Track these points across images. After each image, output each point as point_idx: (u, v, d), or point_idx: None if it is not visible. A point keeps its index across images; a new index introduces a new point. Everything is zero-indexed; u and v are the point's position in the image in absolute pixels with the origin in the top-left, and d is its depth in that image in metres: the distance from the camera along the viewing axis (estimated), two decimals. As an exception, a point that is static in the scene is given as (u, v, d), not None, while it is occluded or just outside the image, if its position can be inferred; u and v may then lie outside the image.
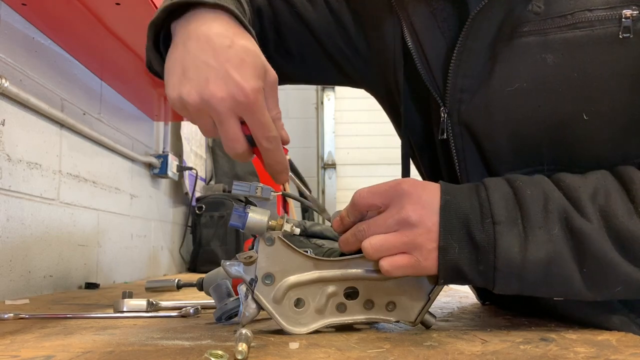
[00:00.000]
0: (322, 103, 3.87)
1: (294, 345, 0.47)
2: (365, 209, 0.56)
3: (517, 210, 0.53)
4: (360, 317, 0.56)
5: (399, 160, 0.75)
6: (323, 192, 3.85)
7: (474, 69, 0.60)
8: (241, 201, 2.13)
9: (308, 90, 3.95)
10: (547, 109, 0.57)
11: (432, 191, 0.55)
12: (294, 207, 3.31)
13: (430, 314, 0.58)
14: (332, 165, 3.81)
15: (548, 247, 0.51)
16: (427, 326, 0.58)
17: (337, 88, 3.82)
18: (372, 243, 0.53)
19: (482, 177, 0.58)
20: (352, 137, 3.82)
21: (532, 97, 0.58)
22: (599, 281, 0.51)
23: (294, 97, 3.95)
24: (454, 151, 0.64)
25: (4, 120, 1.00)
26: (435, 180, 0.57)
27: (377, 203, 0.55)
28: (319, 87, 3.90)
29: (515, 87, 0.58)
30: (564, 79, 0.56)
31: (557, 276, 0.51)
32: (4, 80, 0.96)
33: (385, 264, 0.53)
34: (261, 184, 0.58)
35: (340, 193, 3.79)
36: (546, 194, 0.53)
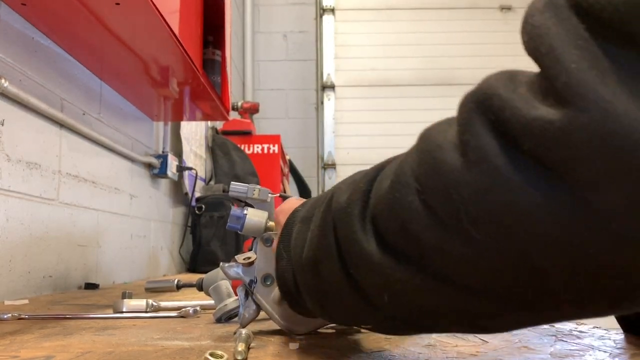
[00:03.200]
0: (322, 103, 3.87)
1: (293, 345, 0.47)
2: None
3: (318, 205, 0.42)
4: None
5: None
6: (323, 192, 3.84)
7: None
8: (240, 201, 2.13)
9: (308, 91, 3.95)
10: None
11: (289, 211, 0.49)
12: (294, 207, 3.30)
13: None
14: (332, 165, 3.81)
15: (306, 241, 0.40)
16: None
17: (337, 88, 3.82)
18: None
19: None
20: (352, 137, 3.82)
21: None
22: (364, 284, 0.35)
23: (294, 97, 3.95)
24: None
25: (4, 120, 1.00)
26: None
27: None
28: (319, 87, 3.90)
29: None
30: None
31: (325, 281, 0.38)
32: (3, 81, 0.96)
33: None
34: (258, 186, 0.58)
35: (340, 193, 3.78)
36: (346, 180, 0.40)
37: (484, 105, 0.27)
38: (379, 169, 0.37)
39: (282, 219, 0.49)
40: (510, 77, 0.28)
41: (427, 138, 0.31)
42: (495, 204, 0.27)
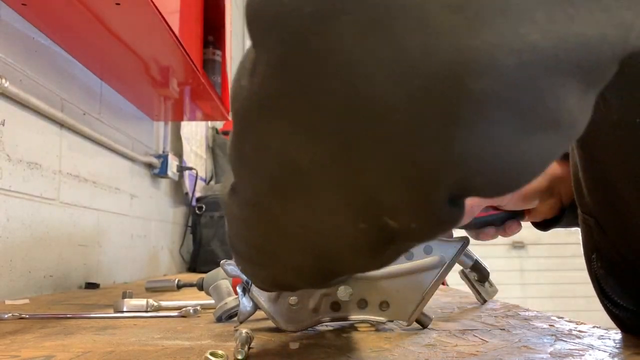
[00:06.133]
0: (322, 103, 3.87)
1: (294, 345, 0.48)
2: None
3: None
4: (354, 317, 0.57)
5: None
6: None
7: None
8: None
9: (308, 90, 3.94)
10: None
11: None
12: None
13: (424, 314, 0.57)
14: (332, 165, 3.80)
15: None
16: (423, 325, 0.58)
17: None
18: None
19: None
20: (352, 137, 3.80)
21: None
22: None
23: (294, 97, 3.95)
24: None
25: (4, 120, 1.00)
26: None
27: None
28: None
29: None
30: None
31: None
32: (4, 80, 0.96)
33: None
34: None
35: (340, 193, 3.77)
36: None
37: None
38: None
39: None
40: None
41: None
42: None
